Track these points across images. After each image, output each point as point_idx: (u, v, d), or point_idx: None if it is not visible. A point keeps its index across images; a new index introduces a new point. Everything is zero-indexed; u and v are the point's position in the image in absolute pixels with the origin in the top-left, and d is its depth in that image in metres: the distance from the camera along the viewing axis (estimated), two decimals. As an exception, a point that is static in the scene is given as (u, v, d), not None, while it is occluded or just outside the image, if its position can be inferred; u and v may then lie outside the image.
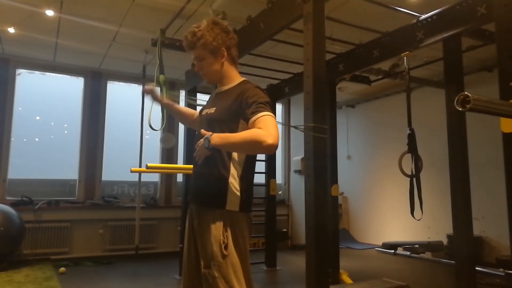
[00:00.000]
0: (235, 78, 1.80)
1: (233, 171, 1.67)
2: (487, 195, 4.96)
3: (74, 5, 3.93)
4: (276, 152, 5.46)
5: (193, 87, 4.75)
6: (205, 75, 1.82)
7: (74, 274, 4.58)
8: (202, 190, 1.72)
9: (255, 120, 1.54)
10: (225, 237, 1.59)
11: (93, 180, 5.85)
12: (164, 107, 2.18)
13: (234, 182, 1.66)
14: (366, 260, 5.79)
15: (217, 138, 1.55)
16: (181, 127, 5.89)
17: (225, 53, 1.75)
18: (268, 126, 1.52)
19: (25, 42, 4.87)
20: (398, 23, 3.50)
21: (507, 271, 4.47)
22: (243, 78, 1.81)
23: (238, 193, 1.66)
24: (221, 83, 1.82)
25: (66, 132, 6.09)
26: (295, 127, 2.40)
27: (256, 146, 1.50)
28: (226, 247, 1.58)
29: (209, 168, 1.67)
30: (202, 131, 1.64)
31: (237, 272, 1.58)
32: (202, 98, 4.75)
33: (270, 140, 1.47)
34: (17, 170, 5.50)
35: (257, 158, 1.85)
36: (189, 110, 2.17)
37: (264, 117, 1.54)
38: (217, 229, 1.60)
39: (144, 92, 2.01)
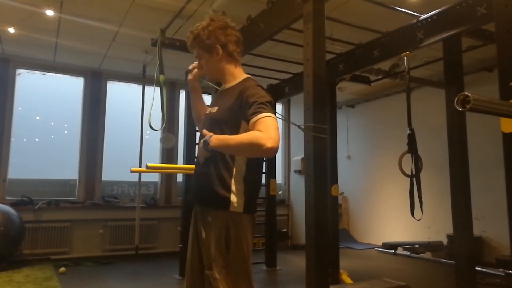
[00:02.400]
0: (236, 75, 1.77)
1: (236, 171, 1.63)
2: (487, 195, 4.96)
3: (74, 5, 3.93)
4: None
5: (193, 87, 4.75)
6: (206, 73, 1.83)
7: (74, 274, 4.57)
8: (204, 191, 1.68)
9: (255, 122, 1.50)
10: (228, 239, 1.57)
11: (93, 180, 5.85)
12: (192, 91, 1.98)
13: (237, 182, 1.62)
14: (366, 260, 5.78)
15: (215, 140, 1.53)
16: (181, 127, 5.88)
17: (220, 51, 1.73)
18: (268, 128, 1.47)
19: (25, 42, 4.87)
20: (398, 23, 3.50)
21: (507, 271, 4.47)
22: (246, 75, 1.78)
23: (242, 194, 1.62)
24: (223, 81, 1.80)
25: (66, 132, 6.09)
26: (295, 125, 2.39)
27: (255, 149, 1.47)
28: (228, 249, 1.56)
29: (211, 168, 1.64)
30: (204, 131, 1.62)
31: (239, 274, 1.56)
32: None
33: (269, 143, 1.43)
34: (17, 170, 5.49)
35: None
36: (205, 107, 2.05)
37: (264, 118, 1.50)
38: (220, 231, 1.58)
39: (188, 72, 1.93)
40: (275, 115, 1.58)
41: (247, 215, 1.63)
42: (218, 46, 1.73)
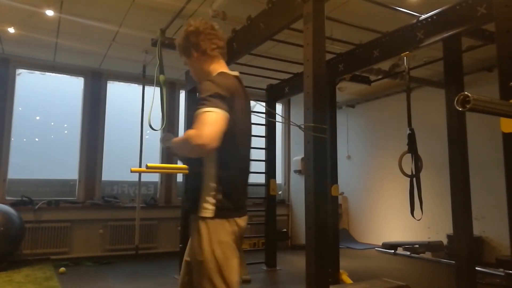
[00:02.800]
0: (212, 72, 1.72)
1: (207, 170, 1.55)
2: (487, 195, 4.96)
3: (74, 5, 3.93)
4: (276, 152, 5.50)
5: (193, 87, 4.76)
6: (193, 77, 1.85)
7: (74, 274, 4.57)
8: (185, 193, 1.70)
9: (194, 120, 1.44)
10: (200, 244, 1.53)
11: (93, 180, 5.85)
12: None
13: (208, 184, 1.54)
14: (366, 260, 5.79)
15: (172, 143, 1.56)
16: (181, 127, 5.89)
17: (194, 52, 1.73)
18: (199, 125, 1.40)
19: (25, 42, 4.87)
20: (398, 23, 3.50)
21: (507, 271, 4.47)
22: (220, 70, 1.71)
23: (212, 197, 1.53)
24: None
25: (66, 132, 6.09)
26: (295, 125, 2.39)
27: (189, 148, 1.42)
28: (201, 254, 1.52)
29: (190, 169, 1.64)
30: None
31: (213, 279, 1.51)
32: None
33: (198, 140, 1.36)
34: (17, 170, 5.50)
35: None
36: None
37: (200, 115, 1.43)
38: (193, 235, 1.56)
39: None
40: (222, 106, 1.46)
41: (220, 220, 1.54)
42: (192, 48, 1.73)
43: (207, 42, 1.73)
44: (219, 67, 1.74)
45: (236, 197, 1.61)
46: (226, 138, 1.48)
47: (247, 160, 1.73)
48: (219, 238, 1.53)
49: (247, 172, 1.73)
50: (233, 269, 1.55)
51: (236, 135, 1.58)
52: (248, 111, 1.74)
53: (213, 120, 1.41)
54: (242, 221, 1.63)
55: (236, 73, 1.74)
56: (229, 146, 1.54)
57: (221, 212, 1.54)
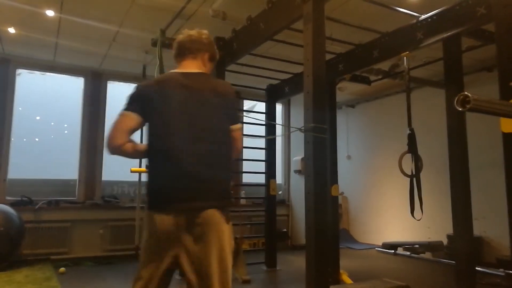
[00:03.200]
0: None
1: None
2: (487, 195, 4.96)
3: (74, 5, 3.93)
4: (276, 152, 5.50)
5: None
6: None
7: (74, 274, 4.58)
8: None
9: None
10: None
11: (93, 180, 5.85)
12: None
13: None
14: (366, 260, 5.79)
15: None
16: (181, 127, 5.87)
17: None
18: None
19: (26, 42, 4.87)
20: (398, 23, 3.51)
21: (507, 271, 4.48)
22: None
23: (146, 189, 1.71)
24: None
25: (66, 132, 6.10)
26: (296, 129, 2.40)
27: None
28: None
29: None
30: None
31: (139, 263, 1.69)
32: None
33: (105, 141, 1.65)
34: (17, 170, 5.50)
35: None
36: None
37: None
38: None
39: None
40: (131, 107, 1.67)
41: (148, 211, 1.66)
42: None
43: (174, 51, 1.87)
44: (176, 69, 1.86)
45: (157, 192, 1.64)
46: (148, 134, 1.69)
47: (183, 152, 1.60)
48: (145, 228, 1.68)
49: (182, 165, 1.58)
50: (143, 262, 1.68)
51: (159, 128, 1.67)
52: (199, 104, 1.68)
53: (116, 121, 1.67)
54: (164, 219, 1.56)
55: (185, 70, 1.78)
56: (150, 140, 1.69)
57: (148, 204, 1.68)
